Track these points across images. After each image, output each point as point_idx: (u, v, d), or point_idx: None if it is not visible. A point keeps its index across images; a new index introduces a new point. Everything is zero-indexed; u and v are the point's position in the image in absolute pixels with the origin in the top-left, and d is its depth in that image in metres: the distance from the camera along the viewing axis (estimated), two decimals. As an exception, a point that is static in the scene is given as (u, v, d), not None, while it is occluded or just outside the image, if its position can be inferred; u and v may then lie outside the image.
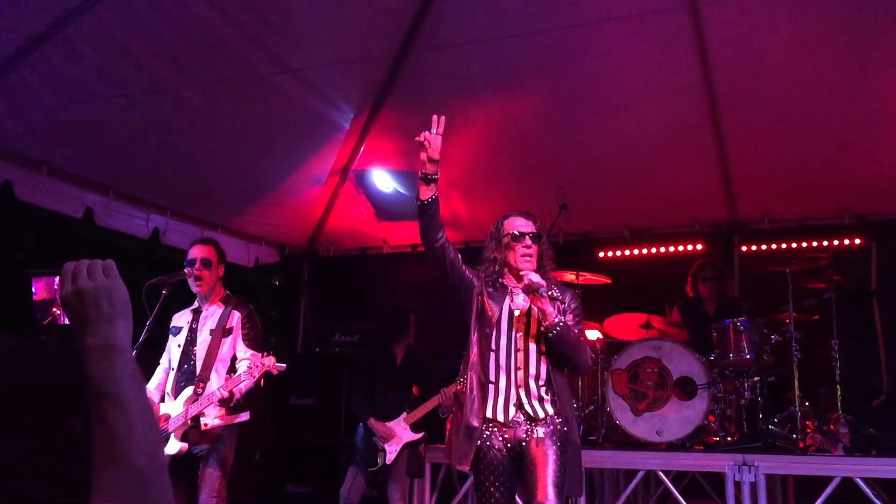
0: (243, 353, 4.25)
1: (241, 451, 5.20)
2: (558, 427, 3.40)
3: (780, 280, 5.65)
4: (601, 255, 7.24)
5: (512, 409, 3.41)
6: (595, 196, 6.54)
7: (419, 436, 5.19)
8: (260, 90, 5.69)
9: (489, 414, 3.42)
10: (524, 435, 3.39)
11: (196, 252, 4.40)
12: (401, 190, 7.24)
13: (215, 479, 4.13)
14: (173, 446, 4.11)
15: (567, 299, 3.60)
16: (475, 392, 3.43)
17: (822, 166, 6.11)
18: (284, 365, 4.14)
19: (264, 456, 7.11)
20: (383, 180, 7.20)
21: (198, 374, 4.24)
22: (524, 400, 3.42)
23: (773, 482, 5.81)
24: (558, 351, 3.45)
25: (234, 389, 4.08)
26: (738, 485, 5.03)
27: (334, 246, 8.19)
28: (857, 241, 6.43)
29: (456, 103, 6.32)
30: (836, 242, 6.45)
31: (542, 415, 3.41)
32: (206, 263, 4.38)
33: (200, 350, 4.30)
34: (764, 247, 6.80)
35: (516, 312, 3.51)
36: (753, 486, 4.96)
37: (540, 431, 3.37)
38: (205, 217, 6.77)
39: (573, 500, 3.58)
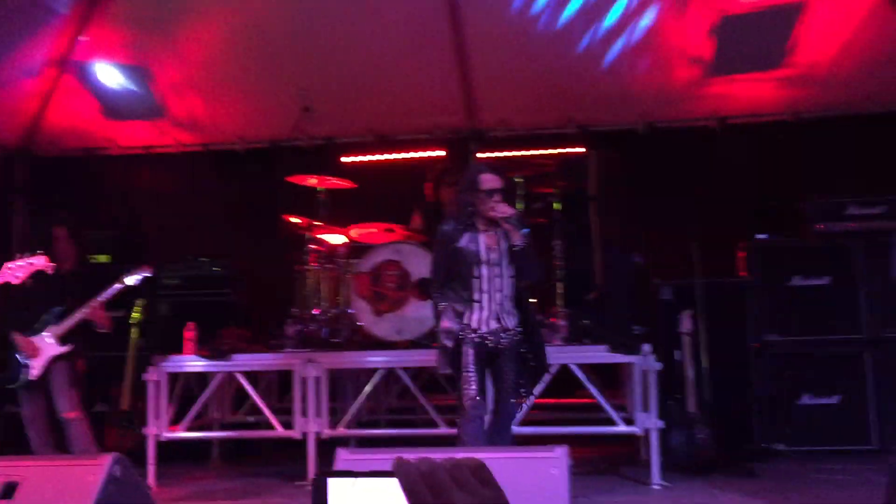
0: None
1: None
2: (519, 336, 4.32)
3: (512, 185, 5.98)
4: (345, 159, 7.21)
5: (492, 322, 4.28)
6: (339, 99, 6.46)
7: (66, 348, 4.89)
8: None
9: (474, 325, 4.25)
10: (497, 339, 4.27)
11: None
12: (130, 86, 6.68)
13: None
14: None
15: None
16: (454, 309, 4.28)
17: (553, 78, 6.47)
18: None
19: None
20: (110, 75, 6.58)
21: None
22: (501, 315, 4.29)
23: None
24: (521, 265, 4.35)
25: None
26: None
27: (55, 145, 7.42)
28: (580, 149, 6.96)
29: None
30: (561, 150, 6.94)
31: (510, 325, 4.31)
32: None
33: None
34: (499, 153, 7.13)
35: (491, 246, 4.33)
36: (481, 376, 5.34)
37: (506, 341, 4.28)
38: None
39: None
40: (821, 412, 5.96)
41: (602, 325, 5.78)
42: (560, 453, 3.17)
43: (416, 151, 7.30)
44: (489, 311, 4.28)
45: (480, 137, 7.26)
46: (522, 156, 6.90)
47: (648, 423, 5.16)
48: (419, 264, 5.70)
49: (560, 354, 5.33)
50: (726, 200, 6.78)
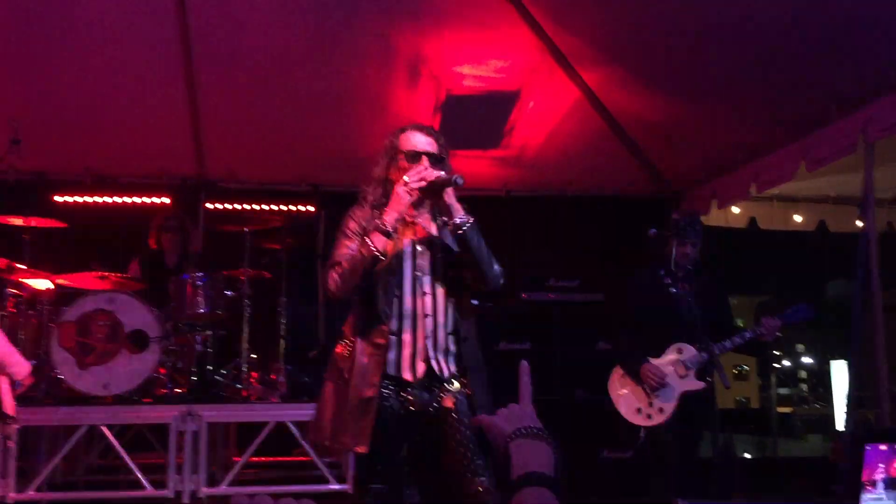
0: None
1: None
2: (464, 390, 2.98)
3: (239, 238, 5.92)
4: (58, 198, 6.71)
5: (419, 366, 2.91)
6: (54, 134, 6.02)
7: None
8: None
9: (391, 371, 2.89)
10: (431, 399, 2.94)
11: None
12: None
13: None
14: None
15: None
16: (368, 352, 2.88)
17: (287, 135, 6.52)
18: None
19: None
20: None
21: None
22: (431, 353, 2.93)
23: (217, 429, 6.12)
24: (465, 259, 2.95)
25: None
26: (182, 434, 5.18)
27: None
28: (310, 207, 7.09)
29: None
30: (291, 207, 7.00)
31: (447, 372, 2.97)
32: None
33: None
34: (228, 205, 7.05)
35: (419, 248, 2.97)
36: (196, 434, 5.16)
37: (453, 399, 2.93)
38: None
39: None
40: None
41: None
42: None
43: (139, 196, 6.97)
44: (412, 349, 2.94)
45: (210, 187, 7.11)
46: (251, 210, 6.87)
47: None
48: (133, 315, 5.42)
49: (276, 412, 5.31)
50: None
